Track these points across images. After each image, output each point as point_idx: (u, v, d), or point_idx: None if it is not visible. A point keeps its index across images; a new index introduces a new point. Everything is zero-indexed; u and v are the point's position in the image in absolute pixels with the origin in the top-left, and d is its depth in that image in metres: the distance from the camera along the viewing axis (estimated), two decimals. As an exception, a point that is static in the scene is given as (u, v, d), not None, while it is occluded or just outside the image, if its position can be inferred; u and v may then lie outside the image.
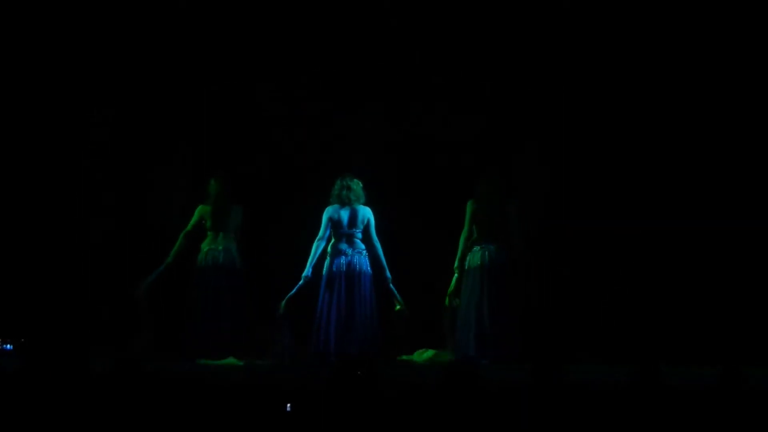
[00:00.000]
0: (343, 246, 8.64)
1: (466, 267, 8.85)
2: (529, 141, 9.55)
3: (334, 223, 8.62)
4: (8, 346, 8.78)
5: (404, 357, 8.81)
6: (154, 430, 5.41)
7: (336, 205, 8.65)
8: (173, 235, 9.25)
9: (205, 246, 9.00)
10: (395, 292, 8.68)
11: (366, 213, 8.66)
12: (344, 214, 8.63)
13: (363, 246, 8.66)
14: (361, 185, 8.65)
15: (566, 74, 9.49)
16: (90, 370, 5.68)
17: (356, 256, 8.64)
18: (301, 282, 8.60)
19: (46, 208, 9.63)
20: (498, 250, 8.82)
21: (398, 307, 8.69)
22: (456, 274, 8.87)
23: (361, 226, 8.65)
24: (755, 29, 9.24)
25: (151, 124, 9.78)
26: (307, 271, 8.61)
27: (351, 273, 8.61)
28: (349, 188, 8.61)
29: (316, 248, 8.63)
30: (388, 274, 8.66)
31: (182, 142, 9.82)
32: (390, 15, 9.59)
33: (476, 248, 8.86)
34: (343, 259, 8.63)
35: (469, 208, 8.87)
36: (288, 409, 5.46)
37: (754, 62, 9.26)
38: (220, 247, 8.97)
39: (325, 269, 8.65)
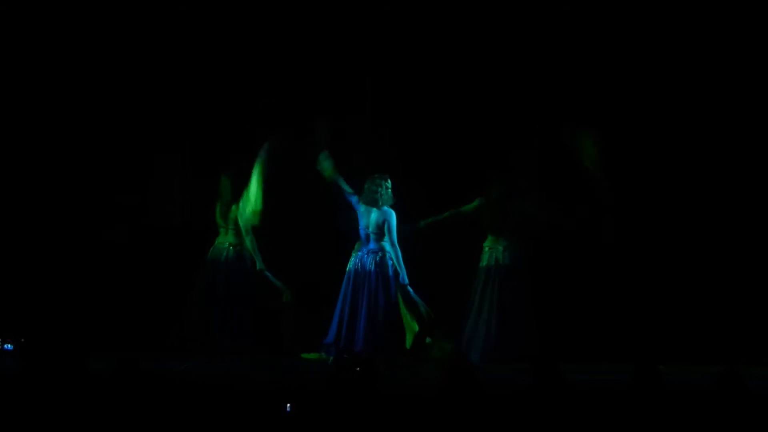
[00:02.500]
0: (360, 245, 8.66)
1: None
2: (529, 140, 9.55)
3: (359, 223, 8.66)
4: (8, 346, 8.78)
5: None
6: (154, 430, 5.40)
7: (362, 205, 8.68)
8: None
9: (216, 241, 9.04)
10: (412, 293, 8.65)
11: (381, 216, 8.65)
12: (363, 214, 8.65)
13: (378, 246, 8.64)
14: (381, 187, 8.63)
15: (565, 74, 9.48)
16: (88, 370, 5.67)
17: (370, 256, 8.64)
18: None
19: (46, 210, 9.62)
20: (505, 252, 8.85)
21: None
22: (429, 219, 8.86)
23: (376, 228, 8.64)
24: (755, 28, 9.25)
25: (151, 124, 9.76)
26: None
27: (362, 272, 8.62)
28: (369, 189, 8.62)
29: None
30: (405, 279, 8.63)
31: (183, 142, 9.81)
32: (390, 15, 9.58)
33: (485, 249, 8.90)
34: (357, 258, 8.66)
35: (475, 202, 8.88)
36: (288, 409, 5.46)
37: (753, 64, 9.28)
38: (226, 244, 9.01)
39: (347, 268, 8.69)
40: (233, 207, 9.02)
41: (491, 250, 8.93)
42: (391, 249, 8.61)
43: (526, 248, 8.95)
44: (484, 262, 8.92)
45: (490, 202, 8.90)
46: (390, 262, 8.64)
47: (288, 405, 5.45)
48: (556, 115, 9.43)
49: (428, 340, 8.72)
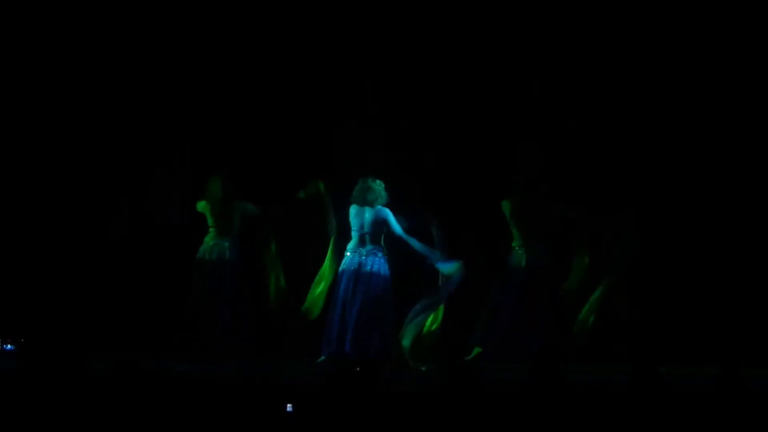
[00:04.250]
0: (357, 246, 8.63)
1: (509, 267, 8.94)
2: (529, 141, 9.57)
3: (352, 224, 8.62)
4: (9, 346, 8.79)
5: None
6: (154, 430, 5.41)
7: (355, 206, 8.65)
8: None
9: (207, 240, 9.06)
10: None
11: (378, 215, 8.62)
12: (357, 216, 8.63)
13: (374, 247, 8.62)
14: (376, 184, 8.60)
15: (568, 72, 9.49)
16: (87, 370, 5.67)
17: (369, 257, 8.62)
18: None
19: (46, 210, 9.62)
20: (526, 253, 8.88)
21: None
22: None
23: (377, 228, 8.62)
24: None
25: (152, 123, 9.76)
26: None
27: (361, 273, 8.58)
28: (363, 189, 8.61)
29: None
30: (433, 258, 8.45)
31: (184, 141, 9.80)
32: (395, 16, 9.57)
33: (513, 248, 8.92)
34: (355, 259, 8.61)
35: (505, 207, 8.94)
36: (288, 409, 5.46)
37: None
38: (221, 243, 9.00)
39: (340, 268, 8.65)
40: (224, 208, 9.03)
41: (518, 250, 8.96)
42: (407, 240, 8.48)
43: (548, 249, 8.95)
44: (510, 262, 8.97)
45: (516, 203, 8.92)
46: (385, 263, 8.64)
47: (289, 405, 5.46)
48: (558, 113, 9.45)
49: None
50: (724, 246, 9.20)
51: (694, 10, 9.28)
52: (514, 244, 9.01)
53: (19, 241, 9.53)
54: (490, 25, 9.53)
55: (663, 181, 9.32)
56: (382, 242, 8.62)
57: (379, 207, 8.60)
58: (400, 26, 9.57)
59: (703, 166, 9.30)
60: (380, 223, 8.59)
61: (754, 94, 9.31)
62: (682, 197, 9.29)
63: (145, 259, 9.60)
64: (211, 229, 9.07)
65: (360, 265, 8.58)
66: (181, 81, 9.70)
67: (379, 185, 8.61)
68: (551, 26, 9.45)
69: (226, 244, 9.01)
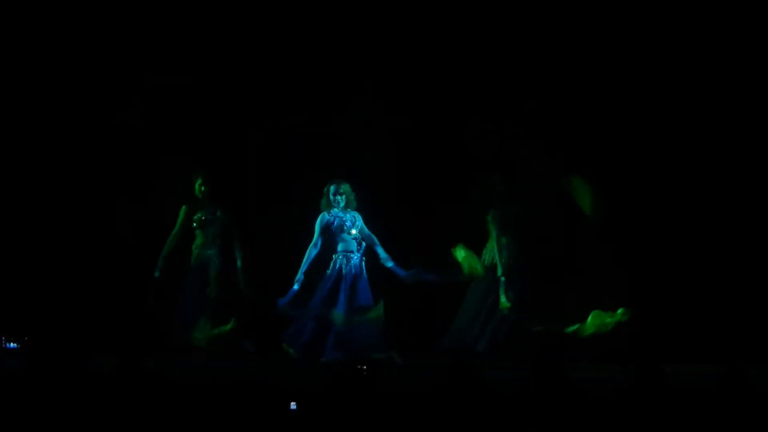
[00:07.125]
0: (340, 249, 8.63)
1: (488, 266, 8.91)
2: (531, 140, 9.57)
3: (333, 228, 8.60)
4: (12, 344, 8.79)
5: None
6: (155, 429, 5.42)
7: (331, 209, 8.64)
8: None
9: (195, 247, 9.06)
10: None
11: (357, 215, 8.68)
12: (340, 218, 8.62)
13: (357, 248, 8.64)
14: (349, 188, 8.65)
15: (565, 73, 9.50)
16: (89, 369, 5.68)
17: (354, 258, 8.62)
18: (294, 287, 8.58)
19: (50, 212, 9.63)
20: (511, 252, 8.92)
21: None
22: None
23: (356, 229, 8.64)
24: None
25: (154, 125, 9.77)
26: (299, 276, 8.58)
27: (346, 276, 8.57)
28: (351, 193, 8.62)
29: (309, 254, 8.61)
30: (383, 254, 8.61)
31: (184, 142, 9.81)
32: (390, 16, 9.58)
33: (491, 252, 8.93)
34: (339, 261, 8.61)
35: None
36: (292, 407, 5.47)
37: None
38: (206, 252, 9.01)
39: (327, 272, 8.65)
40: (209, 212, 9.05)
41: (491, 252, 8.96)
42: (371, 237, 8.66)
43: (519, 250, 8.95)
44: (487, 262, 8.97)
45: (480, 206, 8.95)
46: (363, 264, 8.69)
47: (293, 404, 5.46)
48: (556, 112, 9.46)
49: None
50: (728, 244, 9.21)
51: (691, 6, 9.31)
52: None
53: (23, 241, 9.55)
54: (489, 25, 9.54)
55: (667, 181, 9.32)
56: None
57: (353, 210, 8.63)
58: (400, 26, 9.58)
59: (706, 163, 9.30)
60: (357, 225, 8.65)
61: (755, 93, 9.33)
62: (684, 196, 9.29)
63: (145, 260, 9.60)
64: (198, 233, 9.06)
65: (358, 267, 8.59)
66: (181, 80, 9.71)
67: (348, 188, 8.64)
68: (550, 25, 9.46)
69: (210, 252, 9.03)
